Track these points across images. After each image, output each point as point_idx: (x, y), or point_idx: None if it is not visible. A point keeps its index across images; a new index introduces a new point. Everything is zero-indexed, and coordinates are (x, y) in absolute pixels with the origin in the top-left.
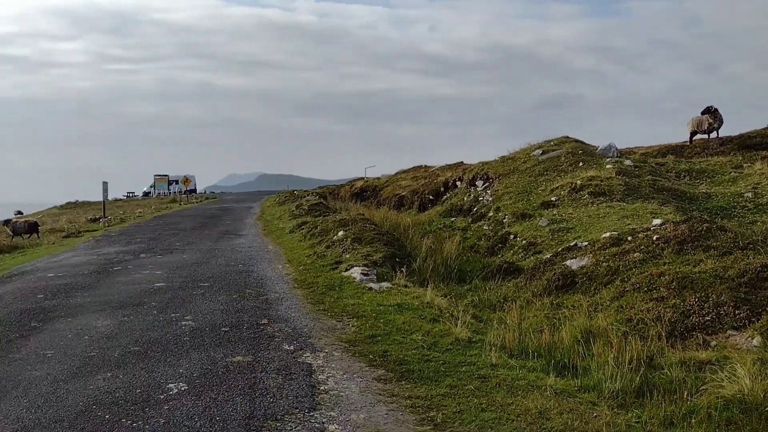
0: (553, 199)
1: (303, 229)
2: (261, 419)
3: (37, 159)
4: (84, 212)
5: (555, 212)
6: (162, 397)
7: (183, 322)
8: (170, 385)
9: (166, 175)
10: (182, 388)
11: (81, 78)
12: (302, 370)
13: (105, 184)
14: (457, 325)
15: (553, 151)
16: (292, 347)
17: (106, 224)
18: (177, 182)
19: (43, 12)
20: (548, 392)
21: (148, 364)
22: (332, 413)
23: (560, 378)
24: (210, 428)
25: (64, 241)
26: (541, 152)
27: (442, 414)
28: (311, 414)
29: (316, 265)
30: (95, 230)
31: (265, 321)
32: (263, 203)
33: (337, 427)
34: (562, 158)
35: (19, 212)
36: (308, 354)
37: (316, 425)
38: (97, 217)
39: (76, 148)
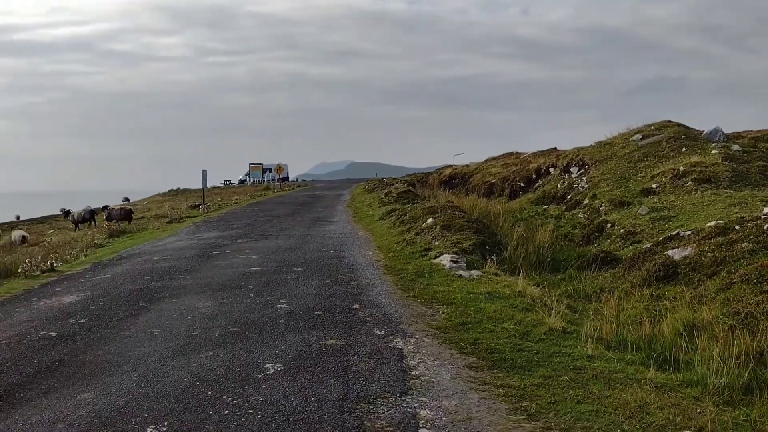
0: (653, 186)
1: (392, 216)
2: (354, 401)
3: (143, 149)
4: (185, 199)
5: (655, 200)
6: (260, 376)
7: (278, 305)
8: (267, 365)
9: (261, 164)
10: (278, 369)
11: (181, 71)
12: (393, 355)
13: (204, 172)
14: (550, 315)
15: (654, 135)
16: (383, 332)
17: (206, 211)
18: (270, 170)
19: (146, 8)
20: (648, 386)
21: (247, 345)
22: (424, 398)
23: (661, 372)
24: (305, 408)
25: (167, 227)
26: (640, 137)
27: (536, 404)
28: (403, 398)
29: (405, 252)
30: (195, 216)
31: (356, 306)
32: (353, 191)
33: (428, 412)
34: (664, 143)
35: (126, 198)
36: (399, 339)
37: (408, 410)
38: (197, 203)
39: (177, 139)
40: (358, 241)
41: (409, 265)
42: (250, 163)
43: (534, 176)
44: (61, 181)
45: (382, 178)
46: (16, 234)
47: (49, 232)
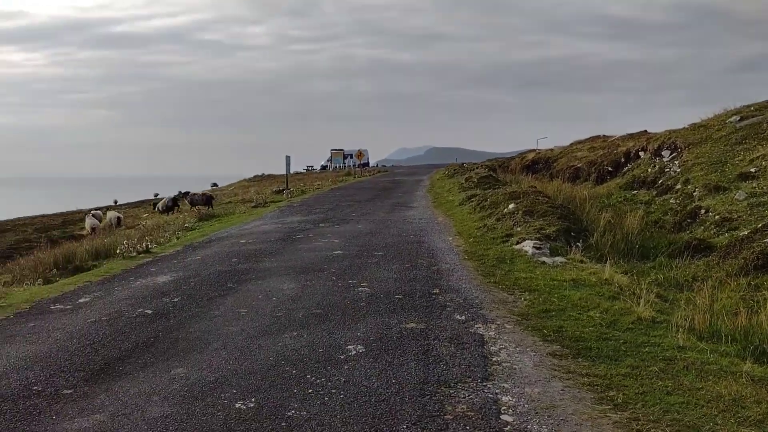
0: (752, 170)
1: (472, 201)
2: (435, 385)
3: (231, 136)
4: (269, 184)
5: (755, 185)
6: (342, 357)
7: (359, 288)
8: (349, 346)
9: (342, 150)
10: (360, 350)
11: (267, 59)
12: (474, 341)
13: (288, 158)
14: (639, 303)
15: (754, 117)
16: (463, 317)
17: (289, 195)
18: (351, 156)
19: None
20: (744, 379)
21: (329, 326)
22: (505, 385)
23: (759, 365)
24: (386, 390)
25: (253, 211)
26: (738, 118)
27: (623, 394)
28: (484, 384)
29: (486, 238)
30: (279, 201)
31: (436, 291)
32: (432, 176)
33: (510, 398)
34: (764, 125)
35: (215, 184)
36: (480, 325)
37: (489, 396)
38: (281, 188)
39: (263, 126)
40: (437, 227)
41: (489, 251)
42: (332, 149)
43: (622, 160)
44: (155, 166)
45: (462, 163)
46: (111, 215)
47: (144, 215)
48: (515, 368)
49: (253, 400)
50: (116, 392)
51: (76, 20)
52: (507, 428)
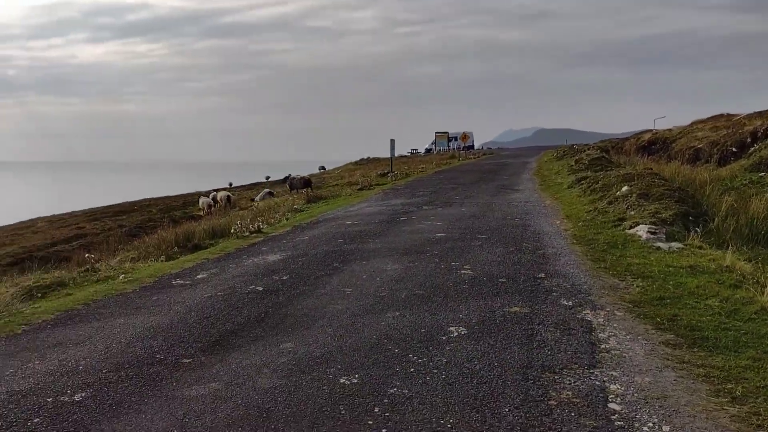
0: None
1: (582, 184)
2: (538, 370)
3: (338, 121)
4: (374, 168)
5: None
6: (444, 338)
7: (462, 271)
8: (451, 328)
9: (446, 132)
10: (462, 332)
11: (373, 44)
12: (581, 327)
13: (392, 141)
14: (763, 293)
15: None
16: (570, 303)
17: (393, 178)
18: (456, 139)
19: None
20: None
21: (431, 307)
22: (614, 373)
23: None
24: (489, 372)
25: (358, 194)
26: None
27: (743, 387)
28: (591, 371)
29: (596, 222)
30: (384, 184)
31: (542, 275)
32: (540, 158)
33: (618, 387)
34: None
35: (322, 167)
36: (588, 311)
37: (596, 383)
38: (385, 171)
39: (369, 110)
40: (544, 210)
41: (600, 236)
42: (436, 132)
43: (749, 140)
44: (265, 152)
45: (573, 145)
46: (221, 195)
47: (257, 198)
48: (625, 356)
49: (356, 376)
50: (229, 363)
51: (194, 11)
52: (614, 416)
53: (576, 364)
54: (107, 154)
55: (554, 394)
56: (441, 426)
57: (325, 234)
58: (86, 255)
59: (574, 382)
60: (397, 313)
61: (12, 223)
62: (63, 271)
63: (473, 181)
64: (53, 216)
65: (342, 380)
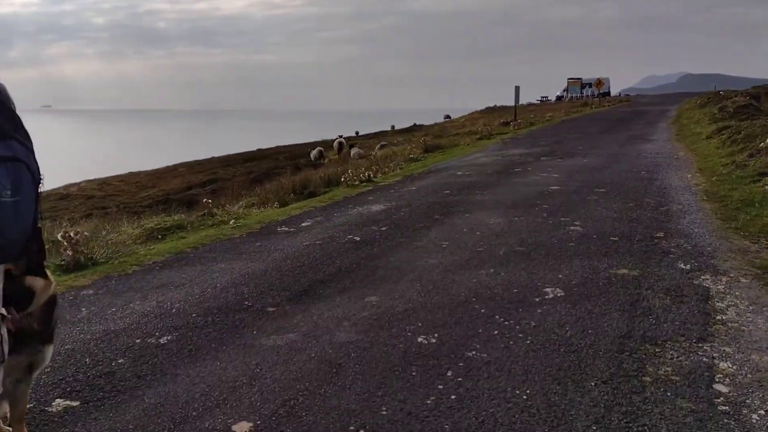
0: None
1: (723, 134)
2: (637, 341)
3: (466, 68)
4: (499, 116)
5: None
6: (537, 300)
7: (570, 228)
8: (547, 289)
9: (580, 79)
10: (558, 294)
11: None
12: (696, 294)
13: (517, 88)
14: None
15: None
16: (688, 266)
17: (516, 127)
18: (590, 85)
19: None
20: None
21: (529, 266)
22: (727, 349)
23: None
24: (580, 340)
25: (477, 143)
26: None
27: None
28: (699, 345)
29: (733, 177)
30: (505, 133)
31: (660, 234)
32: (681, 106)
33: (730, 366)
34: None
35: (447, 116)
36: (707, 276)
37: (704, 359)
38: (508, 120)
39: (498, 57)
40: (676, 162)
41: (735, 192)
42: (569, 78)
43: None
44: (394, 100)
45: (719, 91)
46: (336, 143)
47: (378, 146)
48: (743, 330)
49: (435, 335)
50: (312, 314)
51: None
52: (719, 400)
53: (683, 336)
54: (246, 103)
55: (651, 369)
56: (515, 396)
57: (434, 184)
58: (204, 200)
59: (677, 357)
60: (492, 270)
61: (157, 167)
62: (183, 215)
63: (602, 130)
64: (193, 161)
65: (420, 339)
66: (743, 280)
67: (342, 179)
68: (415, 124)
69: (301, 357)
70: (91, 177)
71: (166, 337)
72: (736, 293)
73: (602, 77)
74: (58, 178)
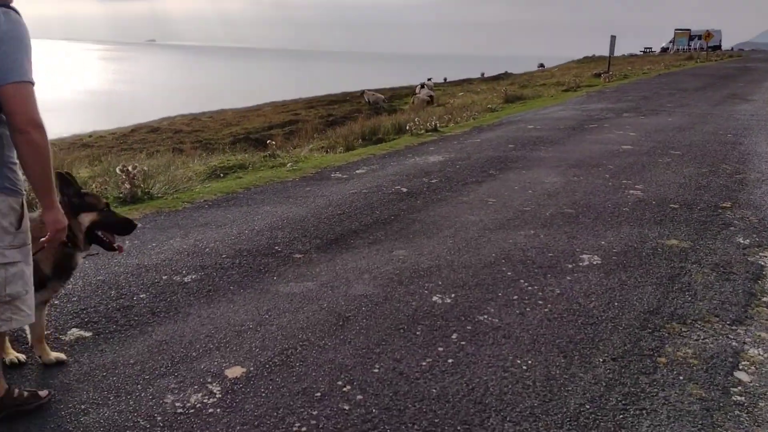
0: None
1: None
2: (666, 318)
3: (567, 15)
4: (594, 67)
5: None
6: (569, 266)
7: (630, 191)
8: (584, 255)
9: (688, 30)
10: (594, 262)
11: None
12: (747, 272)
13: (613, 38)
14: None
15: None
16: (747, 241)
17: (606, 80)
18: (699, 38)
19: None
20: None
21: (573, 229)
22: (763, 334)
23: None
24: (601, 313)
25: (560, 95)
26: None
27: None
28: (733, 328)
29: None
30: (594, 85)
31: (727, 204)
32: None
33: (761, 353)
34: None
35: (541, 65)
36: (766, 253)
37: (733, 344)
38: (600, 72)
39: (601, 4)
40: None
41: None
42: (676, 29)
43: None
44: (490, 46)
45: None
46: (424, 92)
47: (460, 94)
48: None
49: (452, 296)
50: (335, 264)
51: None
52: (736, 389)
53: (717, 317)
54: (344, 44)
55: (670, 349)
56: (514, 366)
57: (500, 137)
58: (268, 141)
59: (703, 339)
60: (532, 232)
61: (245, 106)
62: (247, 155)
63: (699, 86)
64: (278, 101)
65: (435, 298)
66: None
67: (407, 127)
68: (506, 72)
69: (313, 307)
70: (185, 112)
71: (191, 276)
72: None
73: (712, 29)
74: (155, 111)
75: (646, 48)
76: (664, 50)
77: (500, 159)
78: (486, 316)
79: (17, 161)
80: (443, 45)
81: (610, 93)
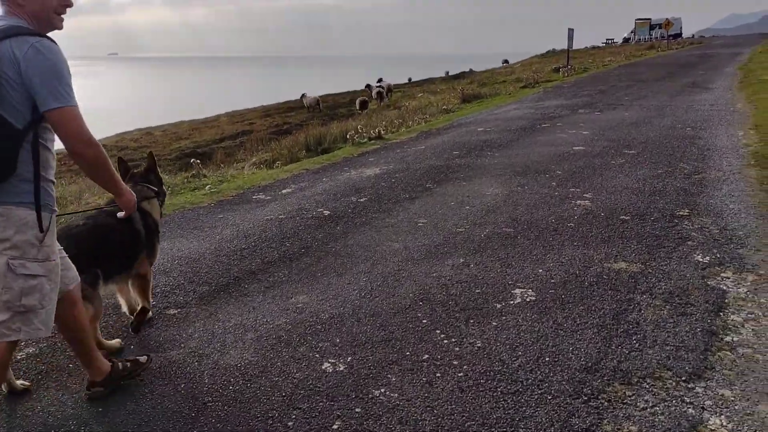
0: None
1: None
2: (605, 377)
3: (530, 9)
4: (556, 61)
5: None
6: (498, 306)
7: (578, 201)
8: (517, 290)
9: (648, 19)
10: (528, 298)
11: None
12: (706, 302)
13: (570, 31)
14: None
15: None
16: (707, 259)
17: (565, 74)
18: (659, 26)
19: None
20: None
21: (509, 254)
22: (726, 392)
23: None
24: (529, 374)
25: (517, 92)
26: None
27: None
28: (690, 386)
29: None
30: (552, 81)
31: (684, 212)
32: (756, 49)
33: (724, 422)
34: None
35: (506, 61)
36: (728, 274)
37: (690, 411)
38: (560, 66)
39: None
40: (729, 117)
41: None
42: (637, 19)
43: None
44: (453, 45)
45: None
46: (375, 92)
47: (419, 95)
48: (756, 360)
49: (348, 360)
50: (215, 321)
51: None
52: None
53: (669, 370)
54: (307, 50)
55: (609, 427)
56: None
57: (446, 143)
58: (193, 161)
59: (652, 406)
60: (461, 261)
61: (201, 117)
62: (168, 176)
63: (658, 77)
64: (235, 111)
65: (325, 365)
66: None
67: (347, 137)
68: (470, 70)
69: (166, 389)
70: (142, 126)
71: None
72: (761, 300)
73: (672, 17)
74: (113, 127)
75: (608, 39)
76: (626, 41)
77: (441, 169)
78: (384, 390)
79: (53, 179)
80: (416, 45)
81: (567, 88)
